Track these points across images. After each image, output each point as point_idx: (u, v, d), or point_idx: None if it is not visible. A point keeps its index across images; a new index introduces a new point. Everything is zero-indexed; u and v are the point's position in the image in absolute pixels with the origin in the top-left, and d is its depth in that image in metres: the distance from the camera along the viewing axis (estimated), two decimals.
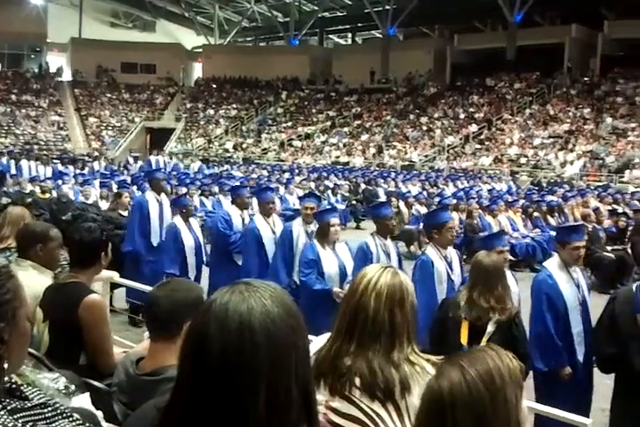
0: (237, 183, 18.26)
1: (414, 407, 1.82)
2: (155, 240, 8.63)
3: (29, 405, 1.45)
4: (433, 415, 1.46)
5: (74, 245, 3.51)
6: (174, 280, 2.57)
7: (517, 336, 4.24)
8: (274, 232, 7.41)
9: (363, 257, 6.01)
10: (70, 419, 1.56)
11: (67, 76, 46.52)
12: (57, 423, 1.51)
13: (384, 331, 2.21)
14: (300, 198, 7.79)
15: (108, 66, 46.73)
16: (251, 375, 1.21)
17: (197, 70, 51.84)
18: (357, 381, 2.14)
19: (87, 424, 1.67)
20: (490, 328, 4.15)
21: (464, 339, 4.19)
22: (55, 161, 26.80)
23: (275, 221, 7.64)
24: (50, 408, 1.52)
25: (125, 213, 9.30)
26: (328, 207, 8.34)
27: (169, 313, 2.32)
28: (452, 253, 5.70)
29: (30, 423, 1.40)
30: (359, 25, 51.33)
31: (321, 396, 2.14)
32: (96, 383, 2.82)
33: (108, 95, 45.27)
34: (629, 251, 11.14)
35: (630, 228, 12.29)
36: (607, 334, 4.27)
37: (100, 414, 2.26)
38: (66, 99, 43.46)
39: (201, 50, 51.57)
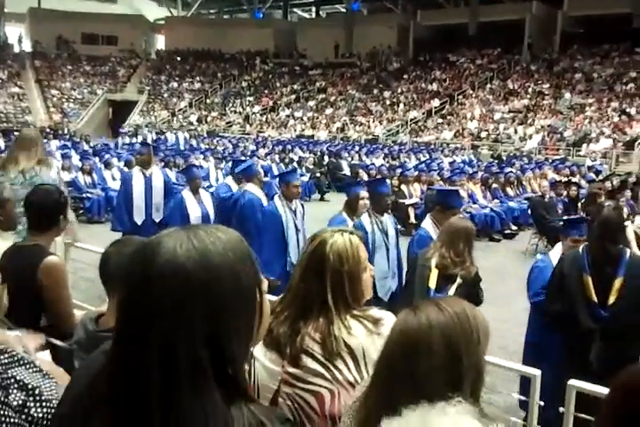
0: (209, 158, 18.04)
1: (372, 360, 1.86)
2: (138, 219, 8.04)
3: None
4: (407, 345, 1.49)
5: (33, 209, 3.50)
6: (126, 237, 2.56)
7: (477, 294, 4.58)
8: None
9: None
10: (27, 366, 1.61)
11: (26, 46, 45.31)
12: (13, 370, 1.56)
13: (303, 300, 2.23)
14: (281, 175, 7.10)
15: (69, 37, 45.61)
16: (148, 320, 1.07)
17: (160, 42, 50.88)
18: (312, 342, 2.17)
19: (44, 372, 1.72)
20: (459, 280, 4.46)
21: (433, 284, 4.50)
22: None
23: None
24: (6, 355, 1.58)
25: None
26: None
27: (118, 268, 2.29)
28: None
29: None
30: None
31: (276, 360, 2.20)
32: (56, 342, 2.84)
33: (69, 67, 44.23)
34: None
35: (582, 197, 12.60)
36: (555, 292, 4.41)
37: (61, 370, 2.30)
38: (25, 70, 42.31)
39: (163, 22, 50.58)
